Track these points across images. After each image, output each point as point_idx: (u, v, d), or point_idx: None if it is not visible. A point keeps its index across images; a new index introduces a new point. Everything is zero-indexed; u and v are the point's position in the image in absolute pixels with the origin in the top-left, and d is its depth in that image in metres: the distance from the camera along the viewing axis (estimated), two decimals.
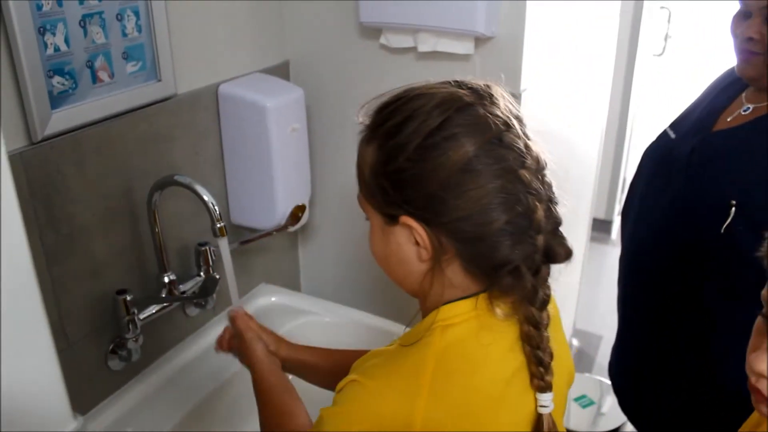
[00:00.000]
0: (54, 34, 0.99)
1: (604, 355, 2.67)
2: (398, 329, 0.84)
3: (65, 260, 1.09)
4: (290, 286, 1.69)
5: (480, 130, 0.70)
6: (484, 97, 0.73)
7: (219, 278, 1.30)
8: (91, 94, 1.07)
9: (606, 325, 2.73)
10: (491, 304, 0.75)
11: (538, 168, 0.72)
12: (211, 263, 1.32)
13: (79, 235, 1.10)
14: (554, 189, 0.74)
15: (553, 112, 1.64)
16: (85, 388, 1.17)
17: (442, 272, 0.74)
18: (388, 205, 0.74)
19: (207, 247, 1.31)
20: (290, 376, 1.03)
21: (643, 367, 1.35)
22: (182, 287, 1.28)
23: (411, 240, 0.74)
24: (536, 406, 0.75)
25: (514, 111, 0.74)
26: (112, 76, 1.10)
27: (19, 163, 0.98)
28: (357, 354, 0.89)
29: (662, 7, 3.28)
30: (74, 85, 1.04)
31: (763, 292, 0.67)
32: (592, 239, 2.67)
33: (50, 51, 0.99)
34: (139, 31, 1.13)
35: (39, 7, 0.96)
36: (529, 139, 0.73)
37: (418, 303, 0.81)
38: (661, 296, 1.26)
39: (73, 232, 1.09)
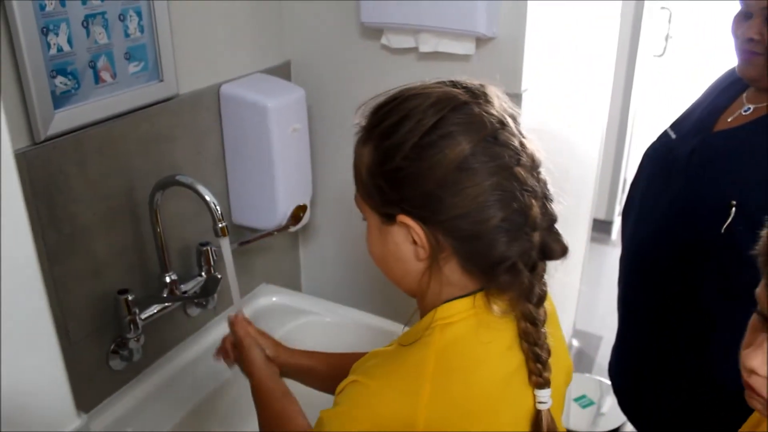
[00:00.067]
0: (57, 35, 1.00)
1: (603, 355, 2.67)
2: (398, 329, 0.84)
3: (67, 260, 1.09)
4: (291, 286, 1.70)
5: (475, 128, 0.70)
6: (478, 96, 0.73)
7: (220, 278, 1.30)
8: (94, 94, 1.08)
9: (606, 325, 2.73)
10: (489, 302, 0.75)
11: (533, 165, 0.73)
12: (212, 263, 1.32)
13: (81, 235, 1.10)
14: (549, 186, 0.75)
15: (554, 113, 1.64)
16: (87, 388, 1.17)
17: (440, 271, 0.74)
18: (385, 204, 0.74)
19: (208, 247, 1.31)
20: (289, 382, 1.03)
21: (643, 367, 1.35)
22: (183, 287, 1.29)
23: (408, 239, 0.74)
24: (535, 403, 0.75)
25: (508, 110, 0.75)
26: (114, 76, 1.11)
27: (21, 162, 0.98)
28: (355, 356, 0.90)
29: (663, 8, 3.28)
30: (77, 85, 1.05)
31: (757, 290, 0.67)
32: (593, 240, 2.67)
33: (53, 51, 1.00)
34: (142, 31, 1.14)
35: (42, 8, 0.97)
36: (524, 137, 0.74)
37: (416, 302, 0.82)
38: (662, 296, 1.26)
39: (75, 231, 1.09)
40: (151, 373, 1.29)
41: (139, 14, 1.13)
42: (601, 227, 3.51)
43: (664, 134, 1.33)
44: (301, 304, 1.55)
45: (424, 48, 1.34)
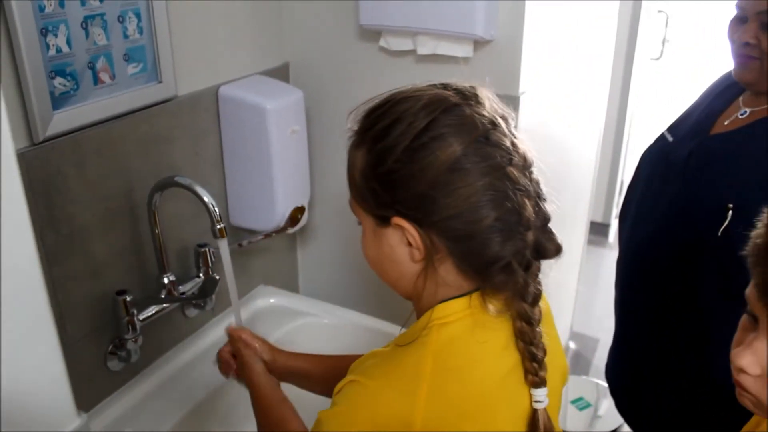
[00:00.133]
0: (56, 36, 1.00)
1: (600, 357, 2.68)
2: (396, 330, 0.84)
3: (65, 261, 1.09)
4: (289, 287, 1.70)
5: (467, 129, 0.71)
6: (469, 97, 0.74)
7: (218, 279, 1.30)
8: (93, 95, 1.08)
9: (603, 328, 2.74)
10: (484, 302, 0.76)
11: (525, 165, 0.74)
12: (210, 264, 1.32)
13: (80, 236, 1.10)
14: (542, 186, 0.76)
15: (552, 115, 1.65)
16: (85, 389, 1.17)
17: (435, 272, 0.75)
18: (379, 207, 0.75)
19: (206, 249, 1.31)
20: (286, 387, 1.04)
21: (642, 368, 1.36)
22: (182, 288, 1.29)
23: (403, 241, 0.75)
24: (531, 402, 0.76)
25: (499, 110, 0.75)
26: (113, 77, 1.11)
27: (20, 163, 0.96)
28: (351, 358, 0.90)
29: (660, 11, 3.29)
30: (76, 86, 1.05)
31: (747, 290, 0.68)
32: (589, 242, 2.67)
33: (52, 52, 1.00)
34: (141, 32, 1.14)
35: (41, 9, 0.97)
36: (515, 138, 0.74)
37: (412, 305, 0.82)
38: (661, 296, 1.26)
39: (73, 232, 1.09)
40: (149, 374, 1.28)
41: (138, 16, 1.13)
42: (598, 230, 3.52)
43: (661, 137, 1.33)
44: (298, 306, 1.56)
45: (423, 50, 1.35)
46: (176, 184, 1.14)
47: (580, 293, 2.61)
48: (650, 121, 3.47)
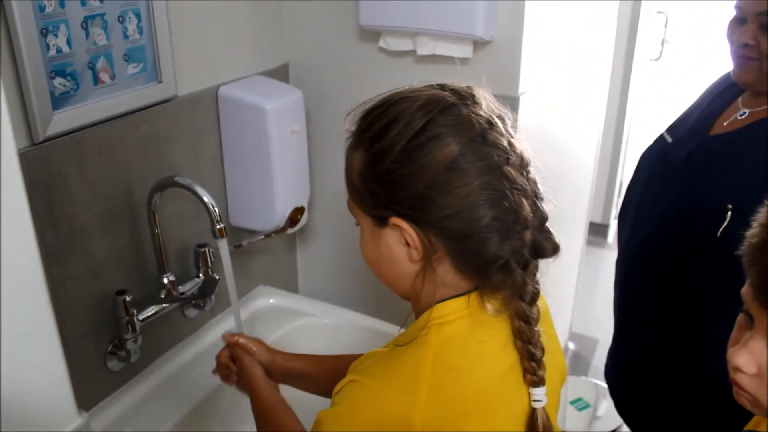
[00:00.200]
0: (56, 36, 1.00)
1: (600, 358, 2.68)
2: (395, 331, 0.85)
3: (65, 260, 1.09)
4: (288, 287, 1.70)
5: (464, 129, 0.71)
6: (466, 97, 0.74)
7: (218, 279, 1.30)
8: (93, 95, 1.08)
9: (602, 328, 2.74)
10: (483, 301, 0.76)
11: (523, 164, 0.74)
12: (210, 264, 1.32)
13: (79, 236, 1.11)
14: (539, 185, 0.76)
15: (551, 116, 1.65)
16: (84, 389, 1.17)
17: (434, 272, 0.75)
18: (377, 207, 0.75)
19: (206, 249, 1.32)
20: (285, 390, 1.04)
21: (641, 369, 1.36)
22: (181, 288, 1.29)
23: (401, 241, 0.75)
24: (530, 401, 0.76)
25: (496, 110, 0.76)
26: (113, 77, 1.11)
27: (20, 163, 0.98)
28: (349, 358, 0.90)
29: (659, 12, 3.30)
30: (76, 87, 1.05)
31: (743, 289, 0.68)
32: (589, 243, 2.68)
33: (52, 52, 1.00)
34: (141, 33, 1.14)
35: (41, 9, 0.97)
36: (512, 137, 0.75)
37: (411, 304, 0.82)
38: (660, 297, 1.27)
39: (73, 232, 1.09)
40: (149, 374, 1.29)
41: (138, 16, 1.13)
42: (597, 230, 3.52)
43: (661, 138, 1.33)
44: (298, 306, 1.56)
45: (422, 51, 1.35)
46: (176, 184, 1.14)
47: (579, 294, 2.61)
48: (649, 121, 3.47)
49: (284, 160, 1.38)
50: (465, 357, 0.74)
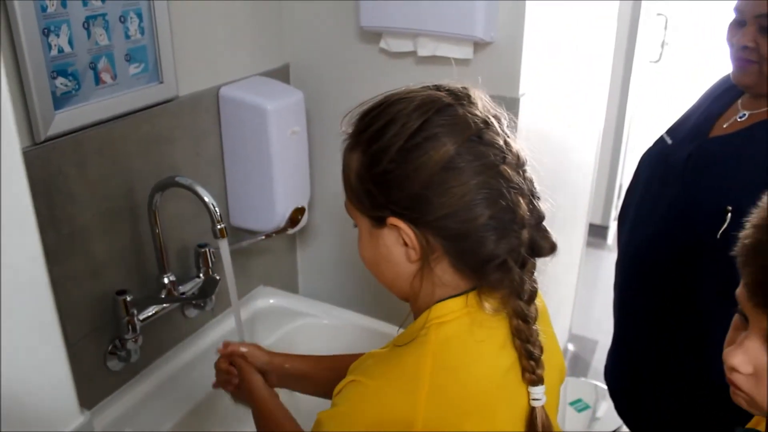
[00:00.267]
0: (58, 36, 1.00)
1: (599, 359, 2.68)
2: (395, 331, 0.85)
3: (66, 260, 1.09)
4: (288, 288, 1.70)
5: (460, 129, 0.72)
6: (462, 97, 0.75)
7: (219, 279, 1.30)
8: (94, 95, 1.08)
9: (602, 329, 2.74)
10: (481, 301, 0.76)
11: (519, 163, 0.74)
12: (210, 265, 1.33)
13: (80, 236, 1.11)
14: (536, 184, 0.76)
15: (551, 117, 1.65)
16: (84, 388, 1.16)
17: (432, 272, 0.76)
18: (374, 207, 0.75)
19: (207, 249, 1.32)
20: (283, 393, 1.05)
21: (641, 370, 1.36)
22: (182, 288, 1.29)
23: (399, 241, 0.75)
24: (529, 400, 0.76)
25: (492, 110, 0.76)
26: (114, 77, 1.11)
27: None
28: (347, 358, 0.90)
29: (659, 14, 3.30)
30: (77, 86, 1.05)
31: (737, 290, 0.69)
32: (589, 244, 2.68)
33: (54, 52, 1.00)
34: (142, 33, 1.14)
35: (43, 9, 0.97)
36: (508, 137, 0.75)
37: (410, 305, 0.82)
38: (660, 299, 1.27)
39: (74, 232, 1.09)
40: (149, 374, 1.29)
41: (139, 16, 1.13)
42: (597, 232, 3.52)
43: (661, 140, 1.34)
44: (298, 307, 1.56)
45: (423, 52, 1.35)
46: (177, 185, 1.14)
47: (579, 295, 2.61)
48: (649, 123, 3.48)
49: (285, 160, 1.38)
50: (464, 356, 0.75)
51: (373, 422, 0.70)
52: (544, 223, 0.76)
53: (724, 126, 1.21)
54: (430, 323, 0.75)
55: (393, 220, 0.74)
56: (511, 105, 1.34)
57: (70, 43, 1.02)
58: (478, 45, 1.32)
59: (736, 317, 0.72)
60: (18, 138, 0.58)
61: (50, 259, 1.05)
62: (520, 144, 0.76)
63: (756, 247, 0.66)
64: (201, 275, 1.33)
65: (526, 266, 0.75)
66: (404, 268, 0.77)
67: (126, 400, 1.23)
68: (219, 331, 1.43)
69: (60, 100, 1.03)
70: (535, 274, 0.77)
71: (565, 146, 1.87)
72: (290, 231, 1.48)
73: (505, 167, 0.72)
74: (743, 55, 1.12)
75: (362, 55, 1.45)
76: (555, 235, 0.77)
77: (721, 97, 1.26)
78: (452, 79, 0.78)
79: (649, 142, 1.38)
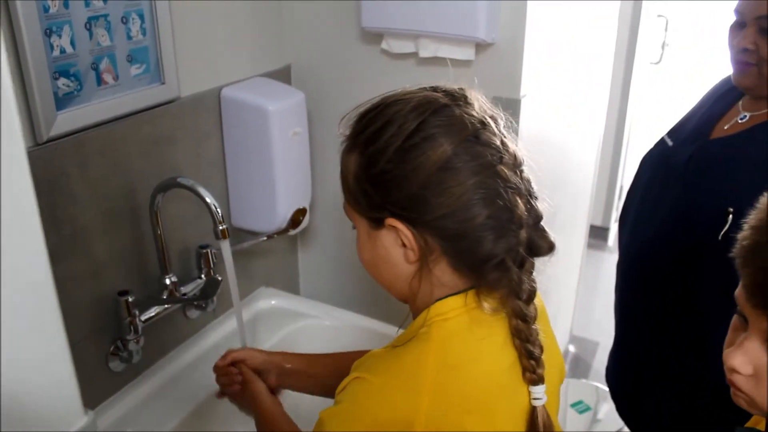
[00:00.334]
0: (60, 36, 1.00)
1: (600, 361, 2.68)
2: (396, 332, 0.85)
3: (67, 261, 1.09)
4: (290, 289, 1.70)
5: (456, 129, 0.72)
6: (458, 98, 0.75)
7: (220, 280, 1.30)
8: (96, 96, 1.08)
9: (603, 331, 2.74)
10: (480, 300, 0.76)
11: (516, 163, 0.75)
12: (212, 266, 1.33)
13: (82, 236, 1.11)
14: (533, 184, 0.77)
15: (552, 119, 1.65)
16: (86, 389, 1.16)
17: (430, 272, 0.76)
18: (372, 208, 0.76)
19: (208, 250, 1.32)
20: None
21: (642, 372, 1.36)
22: (183, 289, 1.29)
23: (397, 242, 0.75)
24: (530, 400, 0.77)
25: (489, 111, 0.76)
26: (116, 78, 1.11)
27: None
28: (347, 355, 0.91)
29: (659, 16, 3.30)
30: (79, 87, 1.05)
31: (737, 291, 0.69)
32: (589, 246, 2.68)
33: (56, 53, 1.00)
34: (144, 34, 1.14)
35: (46, 9, 0.97)
36: (505, 137, 0.75)
37: (409, 306, 0.83)
38: (661, 300, 1.27)
39: (75, 232, 1.09)
40: (151, 375, 1.29)
41: (141, 17, 1.13)
42: (597, 233, 3.52)
43: (661, 141, 1.34)
44: (299, 308, 1.56)
45: (424, 53, 1.35)
46: (178, 185, 1.14)
47: (580, 297, 2.61)
48: (650, 125, 3.48)
49: (286, 161, 1.39)
50: (466, 354, 0.75)
51: (376, 419, 0.71)
52: (544, 223, 0.77)
53: (725, 128, 1.21)
54: (431, 321, 0.75)
55: (391, 221, 0.74)
56: (513, 106, 1.34)
57: (72, 43, 1.03)
58: (480, 46, 1.32)
59: (735, 318, 0.72)
60: (23, 139, 0.58)
61: (52, 259, 1.05)
62: (516, 144, 0.76)
63: (754, 249, 0.67)
64: (202, 276, 1.33)
65: (524, 266, 0.75)
66: (403, 269, 0.77)
67: (128, 401, 1.23)
68: (220, 332, 1.43)
69: (62, 101, 1.03)
70: (534, 273, 0.77)
71: (565, 147, 1.87)
72: (291, 232, 1.48)
73: (502, 167, 0.72)
74: (743, 58, 1.12)
75: (363, 56, 1.46)
76: (553, 235, 0.77)
77: (722, 99, 1.26)
78: (449, 81, 0.79)
79: (649, 144, 1.38)
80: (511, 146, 0.75)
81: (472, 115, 0.73)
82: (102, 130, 1.10)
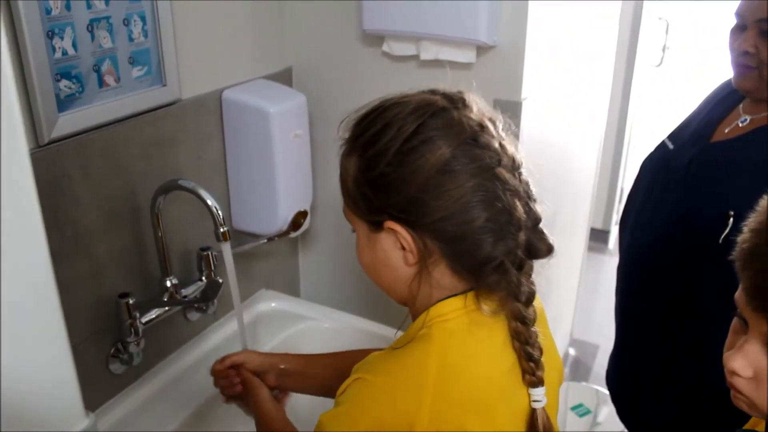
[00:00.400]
0: (62, 38, 1.00)
1: (600, 364, 2.68)
2: (396, 334, 0.85)
3: (68, 262, 1.09)
4: (290, 291, 1.70)
5: (455, 132, 0.72)
6: (457, 101, 0.76)
7: (221, 283, 1.30)
8: (98, 97, 1.08)
9: (603, 334, 2.74)
10: (479, 303, 0.76)
11: (514, 166, 0.75)
12: (213, 268, 1.33)
13: (83, 238, 1.11)
14: (532, 187, 0.77)
15: (553, 121, 1.66)
16: (86, 391, 1.16)
17: (430, 275, 0.76)
18: (371, 211, 0.76)
19: (209, 252, 1.32)
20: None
21: (643, 375, 1.36)
22: (184, 291, 1.29)
23: (397, 245, 0.76)
24: (530, 401, 0.77)
25: (487, 114, 0.77)
26: (118, 80, 1.11)
27: None
28: (343, 354, 0.93)
29: (660, 18, 3.31)
30: (81, 89, 1.05)
31: (736, 294, 0.69)
32: (590, 249, 2.68)
33: (58, 55, 1.00)
34: (146, 36, 1.15)
35: (48, 11, 0.97)
36: (503, 139, 0.76)
37: (408, 308, 0.83)
38: (662, 303, 1.27)
39: (77, 234, 1.09)
40: (151, 377, 1.29)
41: (143, 19, 1.13)
42: (598, 236, 3.52)
43: (662, 145, 1.34)
44: (299, 310, 1.56)
45: (425, 56, 1.35)
46: (180, 187, 1.15)
47: (580, 300, 2.61)
48: (651, 128, 3.48)
49: (287, 163, 1.39)
50: (467, 355, 0.75)
51: (377, 419, 0.71)
52: (544, 226, 0.77)
53: (726, 131, 1.21)
54: (431, 322, 0.76)
55: (390, 224, 0.74)
56: (514, 109, 1.34)
57: (74, 45, 1.03)
58: (481, 49, 1.33)
59: (735, 321, 0.72)
60: (26, 140, 0.58)
61: (53, 261, 1.05)
62: (515, 147, 0.77)
63: (754, 252, 0.67)
64: (203, 278, 1.33)
65: (523, 268, 0.75)
66: (402, 271, 0.77)
67: (128, 403, 1.23)
68: (221, 334, 1.43)
69: (64, 103, 1.03)
70: (533, 276, 0.78)
71: (566, 150, 1.87)
72: (292, 234, 1.48)
73: (501, 170, 0.73)
74: (743, 61, 1.12)
75: (365, 59, 1.46)
76: (552, 238, 0.77)
77: (723, 102, 1.26)
78: (448, 84, 0.79)
79: (650, 147, 1.38)
80: (510, 149, 0.75)
81: (471, 118, 0.74)
82: (103, 131, 1.11)
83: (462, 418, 0.72)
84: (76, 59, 1.04)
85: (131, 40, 1.12)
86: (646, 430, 1.40)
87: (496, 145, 0.74)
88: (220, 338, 1.41)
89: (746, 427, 0.82)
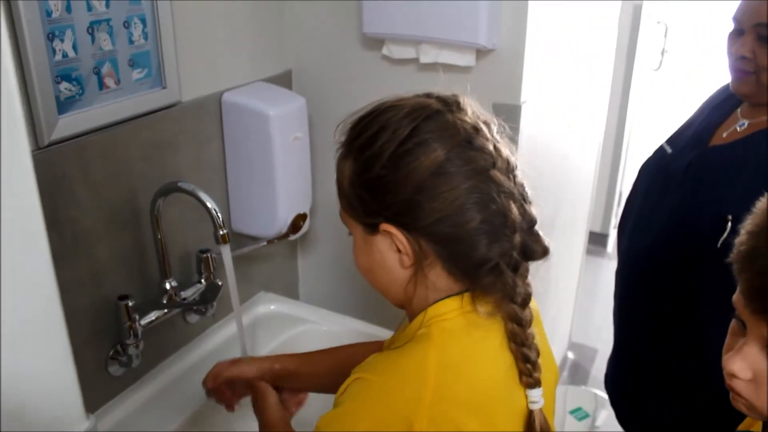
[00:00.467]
0: (62, 41, 1.01)
1: (599, 367, 2.68)
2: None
3: (68, 264, 1.09)
4: (289, 294, 1.70)
5: (449, 134, 0.73)
6: (451, 104, 0.76)
7: (221, 285, 1.30)
8: (98, 100, 1.09)
9: (601, 338, 2.74)
10: (474, 304, 0.77)
11: (509, 168, 0.75)
12: (212, 270, 1.33)
13: (82, 240, 1.11)
14: (527, 189, 0.77)
15: (552, 125, 1.66)
16: (85, 393, 1.16)
17: (425, 277, 0.76)
18: (367, 214, 0.76)
19: (208, 254, 1.32)
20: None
21: (643, 375, 1.36)
22: (183, 294, 1.29)
23: (392, 247, 0.76)
24: (527, 403, 0.77)
25: (482, 116, 0.77)
26: (118, 82, 1.11)
27: None
28: (335, 351, 0.95)
29: (658, 22, 3.31)
30: (81, 91, 1.05)
31: (734, 297, 0.69)
32: (588, 252, 2.68)
33: (58, 57, 1.01)
34: (146, 38, 1.15)
35: (48, 13, 0.98)
36: (498, 142, 0.76)
37: (405, 312, 0.83)
38: (661, 304, 1.27)
39: (76, 236, 1.09)
40: (150, 380, 1.28)
41: (143, 21, 1.14)
42: (596, 240, 3.52)
43: (661, 149, 1.34)
44: (298, 313, 1.56)
45: (425, 59, 1.36)
46: (179, 190, 1.15)
47: (579, 303, 2.61)
48: (649, 131, 3.48)
49: (287, 166, 1.39)
50: (466, 355, 0.75)
51: (377, 418, 0.71)
52: (543, 228, 0.77)
53: (724, 135, 1.21)
54: (430, 322, 0.76)
55: (386, 227, 0.75)
56: (513, 112, 1.35)
57: (75, 48, 1.03)
58: (481, 52, 1.33)
59: (733, 323, 0.72)
60: (28, 142, 0.58)
61: (53, 262, 1.06)
62: (511, 149, 0.77)
63: (751, 254, 0.67)
64: (202, 281, 1.33)
65: (518, 270, 0.76)
66: (398, 274, 0.78)
67: (127, 405, 1.23)
68: (220, 336, 1.43)
69: (64, 105, 1.03)
70: (529, 278, 0.78)
71: (565, 153, 1.87)
72: (292, 237, 1.48)
73: (496, 172, 0.73)
74: (741, 66, 1.13)
75: (364, 62, 1.46)
76: (548, 239, 0.77)
77: (721, 106, 1.26)
78: (443, 87, 0.79)
79: (649, 151, 1.38)
80: (504, 151, 0.76)
81: (465, 121, 0.74)
82: (103, 134, 1.11)
83: (461, 418, 0.72)
84: (77, 61, 1.04)
85: (131, 42, 1.12)
86: (645, 430, 1.40)
87: (491, 147, 0.74)
88: (219, 340, 1.41)
89: (741, 427, 0.83)
